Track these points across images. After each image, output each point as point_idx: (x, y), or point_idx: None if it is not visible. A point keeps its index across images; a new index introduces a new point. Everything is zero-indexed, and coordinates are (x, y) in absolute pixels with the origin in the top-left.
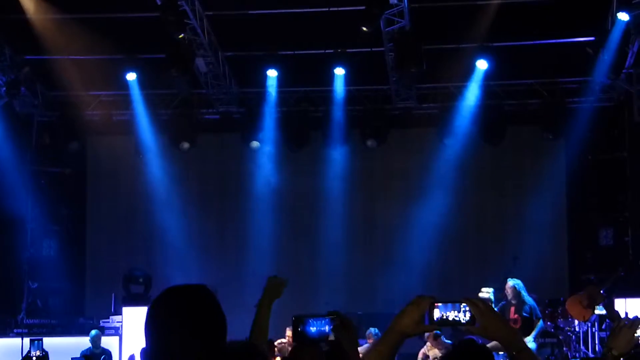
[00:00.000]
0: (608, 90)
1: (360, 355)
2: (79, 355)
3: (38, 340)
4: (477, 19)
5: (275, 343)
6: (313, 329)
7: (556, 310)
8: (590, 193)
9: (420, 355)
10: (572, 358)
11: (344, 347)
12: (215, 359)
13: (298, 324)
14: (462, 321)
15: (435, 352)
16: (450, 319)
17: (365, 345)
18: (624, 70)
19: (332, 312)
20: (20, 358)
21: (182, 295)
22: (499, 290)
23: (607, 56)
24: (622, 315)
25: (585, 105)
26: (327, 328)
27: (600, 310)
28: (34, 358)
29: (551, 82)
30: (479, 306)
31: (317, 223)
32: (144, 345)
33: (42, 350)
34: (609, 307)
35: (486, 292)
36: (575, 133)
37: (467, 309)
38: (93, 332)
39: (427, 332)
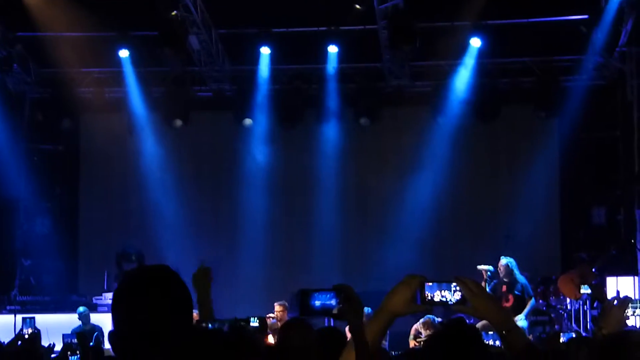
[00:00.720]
0: (601, 68)
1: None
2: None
3: (30, 318)
4: None
5: (266, 318)
6: (318, 303)
7: (548, 289)
8: (583, 171)
9: (412, 332)
10: (563, 335)
11: (349, 320)
12: (184, 338)
13: (304, 297)
14: (453, 301)
15: (427, 331)
16: (440, 298)
17: None
18: (617, 49)
19: (338, 286)
20: (13, 335)
21: (147, 276)
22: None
23: (600, 34)
24: (614, 294)
25: (579, 84)
26: (332, 302)
27: (585, 290)
28: (26, 336)
29: (545, 60)
30: (469, 286)
31: (310, 201)
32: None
33: (35, 328)
34: (597, 287)
35: (485, 266)
36: (568, 111)
37: (458, 288)
38: (81, 308)
39: (418, 311)
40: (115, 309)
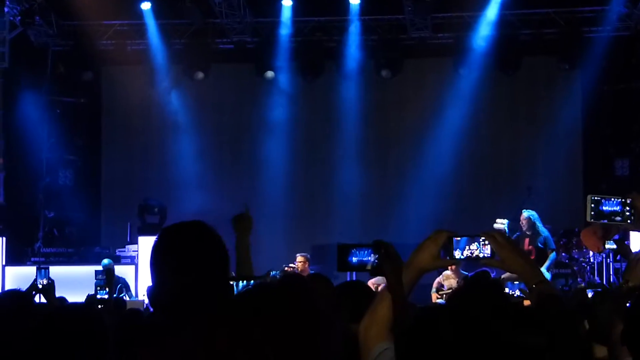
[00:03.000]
0: (625, 19)
1: (377, 287)
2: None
3: (45, 268)
4: None
5: (286, 268)
6: (355, 259)
7: (571, 241)
8: (606, 123)
9: (435, 285)
10: (589, 291)
11: (387, 277)
12: (223, 291)
13: (342, 253)
14: (481, 255)
15: (450, 282)
16: (468, 252)
17: (380, 278)
18: None
19: (377, 242)
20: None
21: (184, 232)
22: (514, 222)
23: None
24: (635, 249)
25: (602, 35)
26: (370, 258)
27: (610, 245)
28: (40, 286)
29: (568, 11)
30: (497, 239)
31: (331, 153)
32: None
33: (49, 278)
34: (620, 242)
35: (501, 224)
36: (591, 63)
37: (486, 242)
38: (105, 261)
39: (446, 266)
40: (153, 265)
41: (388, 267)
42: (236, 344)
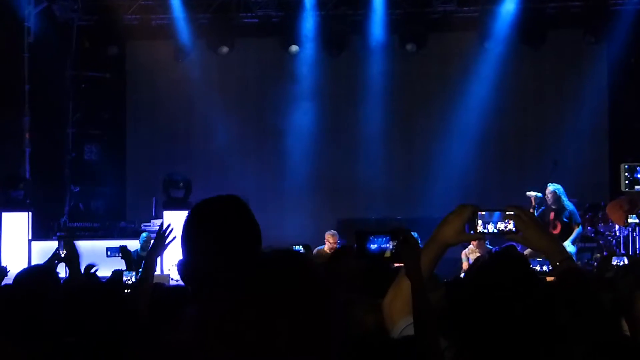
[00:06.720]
0: None
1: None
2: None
3: (66, 237)
4: None
5: (314, 251)
6: (374, 246)
7: (596, 215)
8: (632, 97)
9: (462, 256)
10: (616, 258)
11: (405, 263)
12: (255, 266)
13: (360, 240)
14: (505, 230)
15: (476, 255)
16: (493, 227)
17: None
18: None
19: (395, 228)
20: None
21: (218, 206)
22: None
23: None
24: None
25: (628, 8)
26: (389, 245)
27: (634, 219)
28: (62, 255)
29: None
30: (521, 216)
31: (356, 128)
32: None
33: None
34: None
35: (533, 192)
36: (617, 36)
37: (511, 215)
38: (144, 234)
39: (470, 241)
40: (185, 239)
41: (406, 254)
42: (245, 322)
